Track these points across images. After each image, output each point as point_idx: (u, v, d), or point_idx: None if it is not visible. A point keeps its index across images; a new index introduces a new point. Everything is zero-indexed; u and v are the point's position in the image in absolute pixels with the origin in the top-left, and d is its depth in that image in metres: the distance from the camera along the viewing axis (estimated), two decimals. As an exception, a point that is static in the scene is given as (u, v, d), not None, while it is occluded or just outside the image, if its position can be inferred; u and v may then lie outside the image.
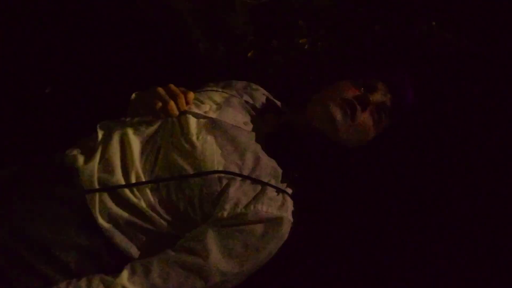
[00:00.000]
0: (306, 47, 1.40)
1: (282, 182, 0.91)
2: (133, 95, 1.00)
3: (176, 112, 0.90)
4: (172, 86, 0.91)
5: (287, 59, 1.37)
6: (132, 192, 0.85)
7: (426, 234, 0.90)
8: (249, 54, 1.41)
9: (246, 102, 1.04)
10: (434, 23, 1.35)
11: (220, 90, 1.05)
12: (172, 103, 0.89)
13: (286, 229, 0.86)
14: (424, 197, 0.93)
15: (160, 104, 0.88)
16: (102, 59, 1.42)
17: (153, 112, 0.90)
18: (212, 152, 0.86)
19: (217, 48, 1.41)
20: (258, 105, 1.06)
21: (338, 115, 0.94)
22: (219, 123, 0.92)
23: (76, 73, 1.38)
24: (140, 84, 1.03)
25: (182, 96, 0.90)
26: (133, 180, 0.85)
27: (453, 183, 0.96)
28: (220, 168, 0.84)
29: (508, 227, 0.93)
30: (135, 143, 0.90)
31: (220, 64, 1.41)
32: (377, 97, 0.99)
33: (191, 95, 0.93)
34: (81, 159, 0.88)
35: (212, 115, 0.94)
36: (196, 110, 0.94)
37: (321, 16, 1.43)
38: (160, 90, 0.90)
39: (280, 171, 0.92)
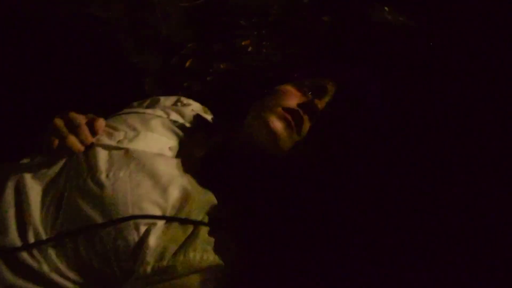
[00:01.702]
0: (249, 49, 1.25)
1: (219, 217, 0.74)
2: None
3: (79, 148, 0.73)
4: (72, 115, 0.74)
5: (229, 64, 1.22)
6: (31, 254, 0.68)
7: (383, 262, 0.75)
8: (187, 64, 1.25)
9: (174, 121, 0.87)
10: (386, 8, 1.22)
11: (141, 111, 0.88)
12: (71, 138, 0.72)
13: (227, 275, 0.70)
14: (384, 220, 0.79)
15: (56, 141, 0.71)
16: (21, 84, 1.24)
17: (50, 152, 0.73)
18: (125, 192, 0.69)
19: (152, 60, 1.25)
20: (188, 124, 0.89)
21: (280, 129, 0.78)
22: (135, 154, 0.75)
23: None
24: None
25: (84, 127, 0.73)
26: (32, 240, 0.68)
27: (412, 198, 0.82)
28: (136, 212, 0.68)
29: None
30: (34, 191, 0.72)
31: (157, 77, 1.24)
32: (328, 101, 0.83)
33: (100, 122, 0.76)
34: None
35: (127, 144, 0.76)
36: (107, 141, 0.76)
37: (263, 12, 1.28)
38: (58, 122, 0.73)
39: (217, 203, 0.76)
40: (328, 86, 0.85)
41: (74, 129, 0.73)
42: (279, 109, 0.79)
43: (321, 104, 0.81)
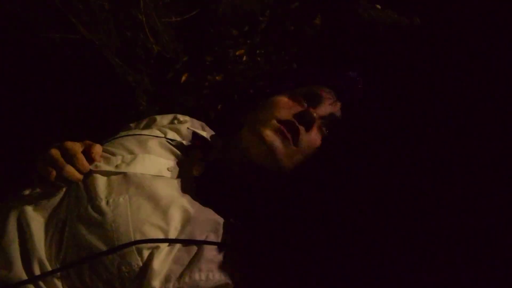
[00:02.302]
0: (244, 58, 1.24)
1: (224, 234, 0.74)
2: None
3: (78, 177, 0.73)
4: (68, 144, 0.74)
5: (225, 75, 1.21)
6: (37, 287, 0.68)
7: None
8: (183, 79, 1.25)
9: (171, 140, 0.87)
10: (378, 6, 1.21)
11: (138, 132, 0.88)
12: (68, 167, 0.71)
13: None
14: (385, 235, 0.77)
15: (53, 172, 0.71)
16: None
17: (49, 183, 0.73)
18: (125, 218, 0.69)
19: (146, 78, 1.25)
20: (186, 141, 0.89)
21: (277, 142, 0.77)
22: (133, 178, 0.74)
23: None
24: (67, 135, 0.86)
25: (80, 155, 0.73)
26: (37, 272, 0.68)
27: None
28: (138, 237, 0.67)
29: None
30: (37, 222, 0.72)
31: (152, 94, 1.24)
32: (324, 109, 0.82)
33: (97, 148, 0.76)
34: None
35: (125, 168, 0.76)
36: (105, 167, 0.76)
37: (253, 20, 1.28)
38: (53, 152, 0.72)
39: (220, 221, 0.75)
40: (322, 93, 0.85)
41: (70, 158, 0.73)
42: (274, 122, 0.79)
43: (316, 112, 0.81)
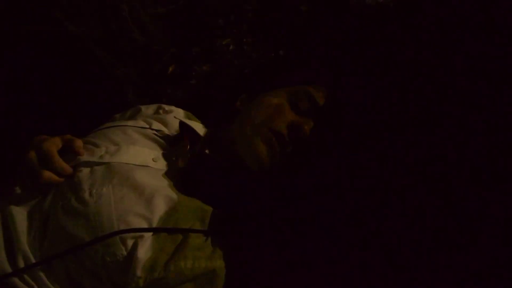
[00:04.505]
0: (231, 47, 1.23)
1: (210, 222, 0.73)
2: None
3: (57, 180, 0.71)
4: (45, 145, 0.71)
5: (212, 65, 1.20)
6: (22, 279, 0.67)
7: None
8: (170, 69, 1.24)
9: (156, 131, 0.86)
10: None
11: (122, 123, 0.87)
12: (45, 174, 0.70)
13: (221, 280, 0.69)
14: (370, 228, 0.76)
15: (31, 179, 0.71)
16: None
17: (30, 187, 0.72)
18: (109, 208, 0.68)
19: (133, 70, 1.23)
20: (171, 132, 0.88)
21: (264, 154, 0.77)
22: (117, 168, 0.73)
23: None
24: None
25: (57, 159, 0.71)
26: (21, 265, 0.68)
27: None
28: (122, 226, 0.67)
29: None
30: (20, 216, 0.72)
31: (140, 87, 1.23)
32: (319, 116, 0.81)
33: (78, 143, 0.74)
34: None
35: (109, 159, 0.75)
36: (88, 158, 0.75)
37: (240, 9, 1.26)
38: (30, 158, 0.70)
39: (206, 209, 0.75)
40: (320, 99, 0.82)
41: (47, 162, 0.71)
42: (266, 130, 0.78)
43: (309, 124, 0.79)
